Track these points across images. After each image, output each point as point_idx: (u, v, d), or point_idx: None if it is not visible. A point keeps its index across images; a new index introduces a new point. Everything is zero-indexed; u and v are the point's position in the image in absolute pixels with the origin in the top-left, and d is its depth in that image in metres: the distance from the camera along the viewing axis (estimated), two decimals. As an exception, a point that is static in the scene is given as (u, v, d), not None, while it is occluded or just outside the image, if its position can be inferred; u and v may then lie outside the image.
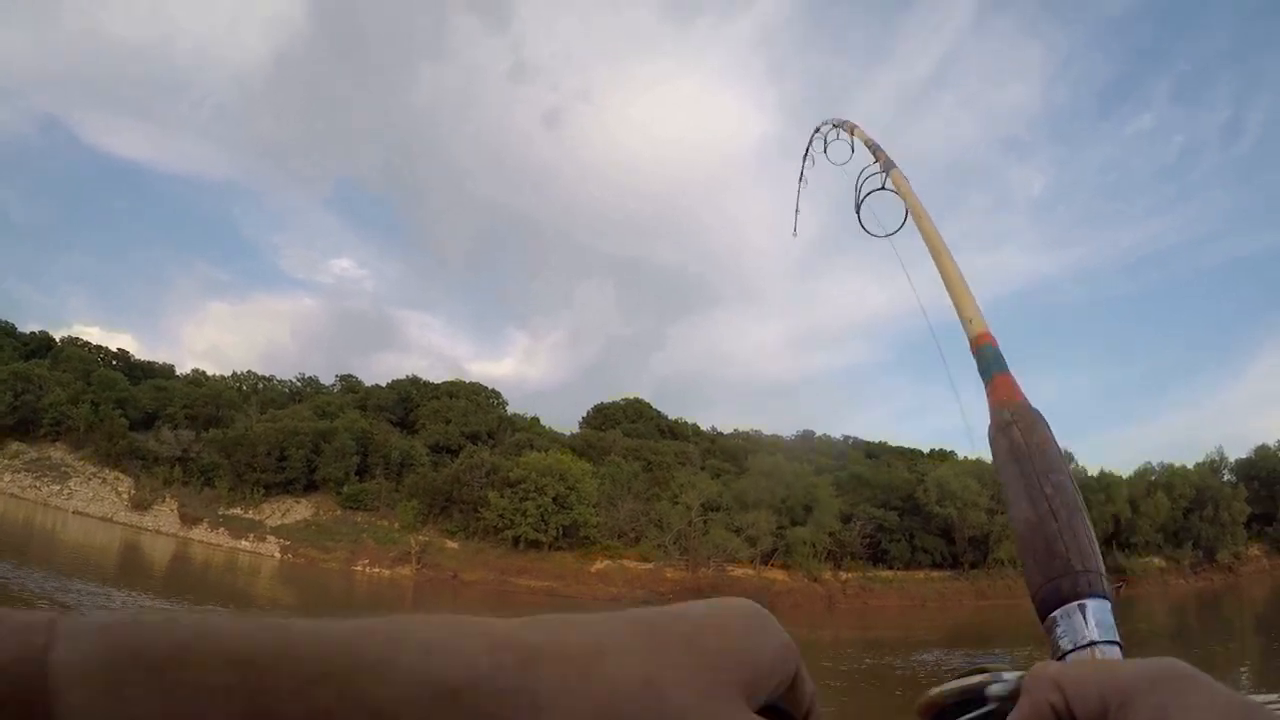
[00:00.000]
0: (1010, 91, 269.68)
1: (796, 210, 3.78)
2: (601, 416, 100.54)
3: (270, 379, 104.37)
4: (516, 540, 66.65)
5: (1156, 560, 75.81)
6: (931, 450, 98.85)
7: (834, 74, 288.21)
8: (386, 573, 64.48)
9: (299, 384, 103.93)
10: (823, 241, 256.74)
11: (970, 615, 59.33)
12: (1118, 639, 1.12)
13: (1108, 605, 1.14)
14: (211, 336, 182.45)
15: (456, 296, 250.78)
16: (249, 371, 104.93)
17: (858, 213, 2.72)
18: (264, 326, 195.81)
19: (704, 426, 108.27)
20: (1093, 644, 1.09)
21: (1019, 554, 1.26)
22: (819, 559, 68.87)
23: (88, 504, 71.24)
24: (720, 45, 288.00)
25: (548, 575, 64.80)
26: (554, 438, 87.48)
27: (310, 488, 75.49)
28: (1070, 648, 1.10)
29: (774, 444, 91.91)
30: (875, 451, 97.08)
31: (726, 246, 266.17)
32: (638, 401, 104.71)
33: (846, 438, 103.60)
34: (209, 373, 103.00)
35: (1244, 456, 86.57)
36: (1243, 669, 31.04)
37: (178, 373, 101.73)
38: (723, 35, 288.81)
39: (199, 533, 69.17)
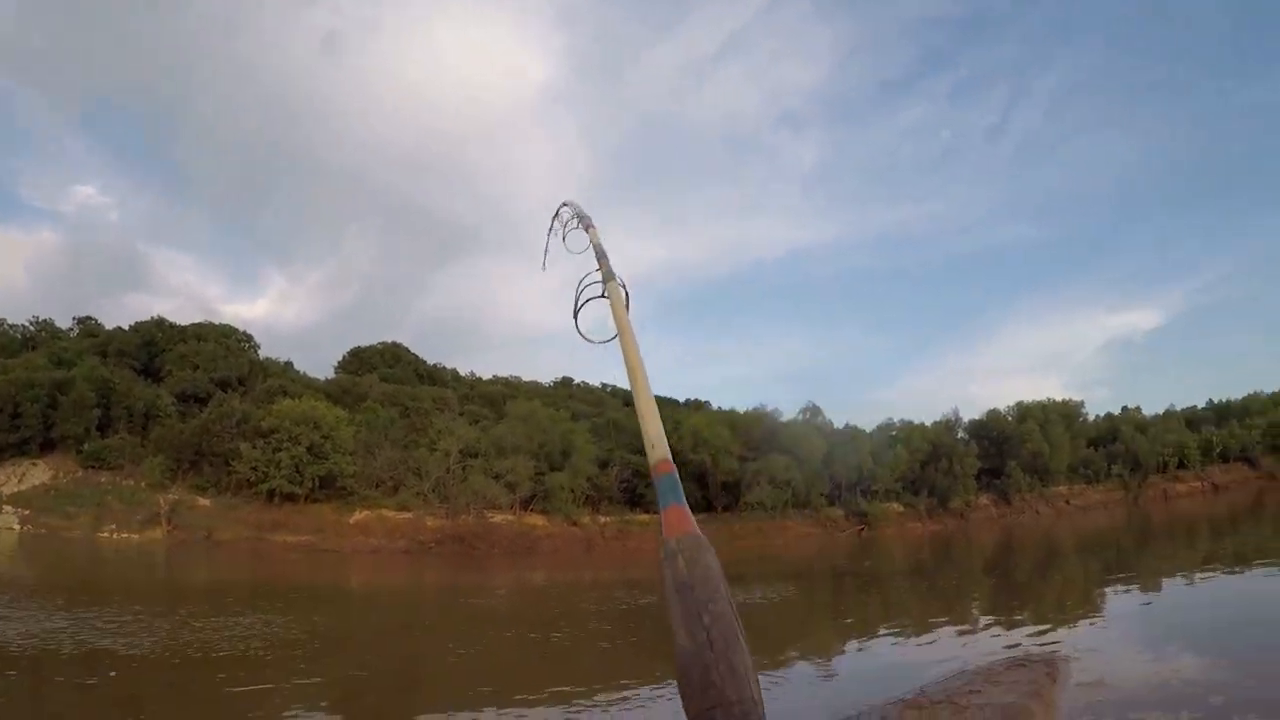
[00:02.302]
0: (796, 71, 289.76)
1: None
2: (358, 361, 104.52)
3: (0, 323, 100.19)
4: (271, 494, 70.47)
5: (896, 506, 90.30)
6: (687, 400, 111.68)
7: (626, 32, 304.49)
8: (135, 537, 65.97)
9: (33, 329, 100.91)
10: (593, 190, 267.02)
11: (724, 556, 64.43)
12: None
13: None
14: None
15: (211, 232, 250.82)
16: None
17: (575, 318, 3.11)
18: None
19: (463, 373, 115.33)
20: None
21: (678, 683, 1.46)
22: (578, 504, 76.38)
23: None
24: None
25: (306, 529, 69.00)
26: (308, 384, 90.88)
27: (48, 446, 76.08)
28: None
29: (532, 390, 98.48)
30: (632, 399, 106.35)
31: (500, 194, 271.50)
32: (396, 346, 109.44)
33: (604, 385, 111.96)
34: None
35: (976, 418, 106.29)
36: (972, 600, 36.81)
37: None
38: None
39: None
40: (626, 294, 3.05)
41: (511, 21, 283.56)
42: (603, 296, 3.07)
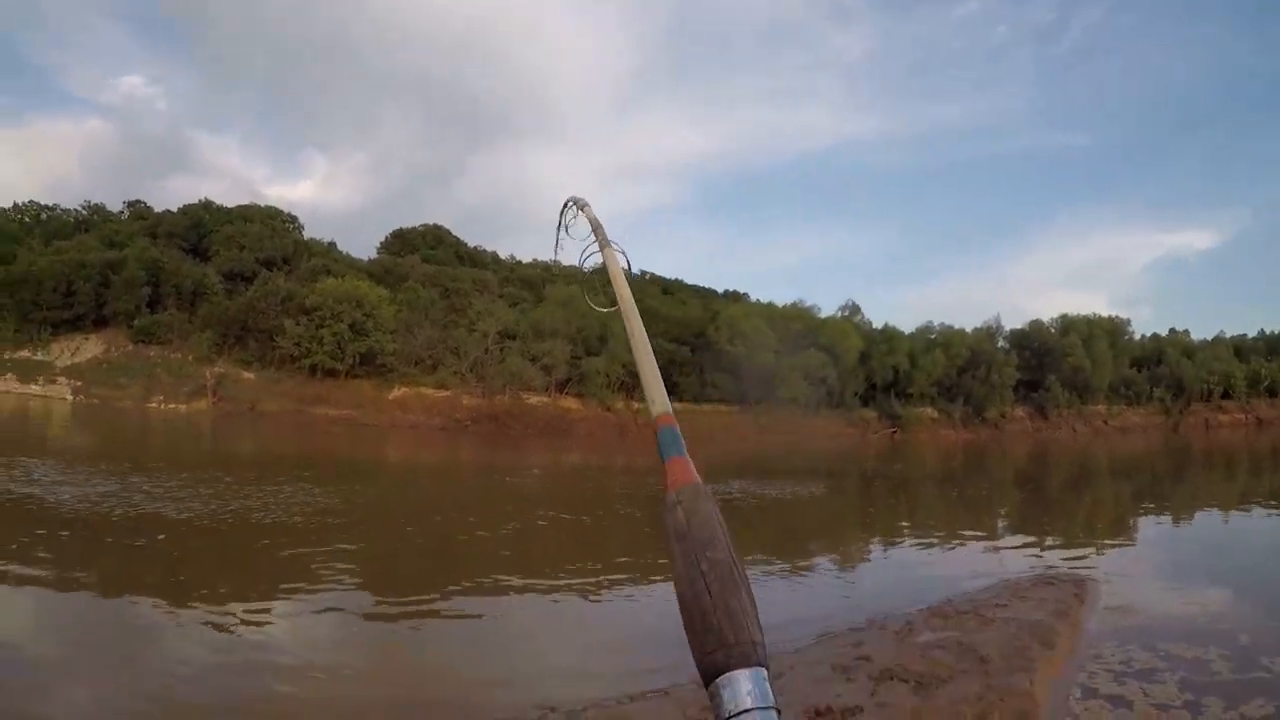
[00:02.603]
0: None
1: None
2: (400, 242, 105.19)
3: (54, 209, 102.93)
4: (314, 369, 72.55)
5: (930, 411, 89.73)
6: (726, 291, 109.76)
7: None
8: (183, 408, 68.63)
9: (85, 213, 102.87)
10: (636, 79, 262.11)
11: (754, 448, 65.76)
12: (773, 704, 1.24)
13: (763, 673, 1.27)
14: None
15: (254, 116, 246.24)
16: (30, 202, 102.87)
17: (585, 294, 3.25)
18: (48, 152, 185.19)
19: (504, 255, 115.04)
20: (749, 710, 1.21)
21: (684, 628, 1.38)
22: (612, 389, 77.17)
23: None
24: None
25: (346, 404, 71.08)
26: (351, 263, 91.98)
27: (100, 323, 78.75)
28: (728, 715, 1.22)
29: (572, 275, 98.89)
30: (672, 288, 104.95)
31: (540, 79, 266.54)
32: (437, 228, 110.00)
33: (644, 273, 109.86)
34: None
35: (1018, 327, 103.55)
36: (1002, 513, 36.66)
37: None
38: None
39: None
40: (627, 259, 3.14)
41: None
42: (600, 266, 3.15)
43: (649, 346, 2.24)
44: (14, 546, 19.61)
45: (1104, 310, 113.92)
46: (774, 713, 1.24)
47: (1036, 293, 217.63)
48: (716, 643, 1.31)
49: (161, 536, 21.73)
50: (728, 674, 1.28)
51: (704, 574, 1.43)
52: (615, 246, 3.11)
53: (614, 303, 2.74)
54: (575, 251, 3.37)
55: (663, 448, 1.82)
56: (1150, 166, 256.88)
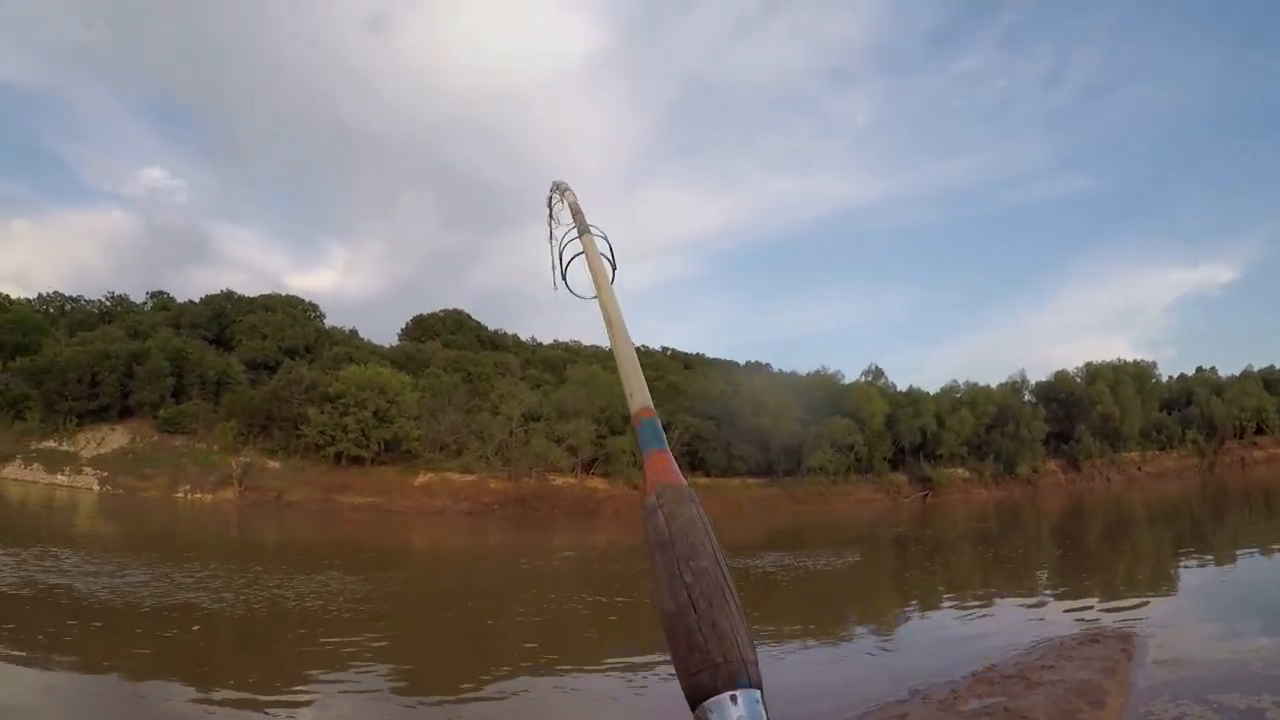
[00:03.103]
0: (841, 24, 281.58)
1: (554, 266, 3.27)
2: (421, 328, 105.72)
3: (79, 300, 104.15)
4: (339, 456, 72.01)
5: (961, 471, 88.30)
6: (747, 362, 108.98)
7: None
8: (209, 498, 68.24)
9: (109, 304, 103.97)
10: (644, 157, 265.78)
11: (786, 520, 65.72)
12: None
13: (756, 695, 1.20)
14: (14, 258, 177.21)
15: (274, 208, 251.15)
16: (55, 293, 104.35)
17: (564, 277, 3.09)
18: (71, 244, 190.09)
19: (524, 338, 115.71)
20: None
21: (668, 648, 1.33)
22: (638, 467, 76.15)
23: (-114, 454, 71.86)
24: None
25: (371, 491, 70.42)
26: (373, 350, 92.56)
27: (125, 413, 78.24)
28: None
29: (593, 354, 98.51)
30: (692, 363, 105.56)
31: (549, 161, 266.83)
32: (457, 313, 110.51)
33: (665, 349, 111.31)
34: (13, 296, 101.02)
35: (1044, 379, 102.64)
36: (1040, 570, 36.32)
37: None
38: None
39: (12, 470, 71.46)
40: (609, 245, 3.10)
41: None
42: (581, 254, 3.07)
43: (628, 337, 2.23)
44: (40, 637, 19.68)
45: (1128, 354, 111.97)
46: None
47: (1059, 341, 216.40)
48: (702, 662, 1.25)
49: (196, 627, 21.68)
50: (715, 698, 1.21)
51: (688, 586, 1.36)
52: (595, 231, 3.08)
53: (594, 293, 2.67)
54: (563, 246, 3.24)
55: (642, 440, 1.80)
56: (1163, 203, 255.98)
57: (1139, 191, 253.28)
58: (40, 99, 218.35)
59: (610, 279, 2.80)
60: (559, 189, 3.86)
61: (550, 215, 3.95)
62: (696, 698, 1.22)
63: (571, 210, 3.44)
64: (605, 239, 3.09)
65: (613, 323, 2.38)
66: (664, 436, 1.85)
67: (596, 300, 2.66)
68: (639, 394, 2.01)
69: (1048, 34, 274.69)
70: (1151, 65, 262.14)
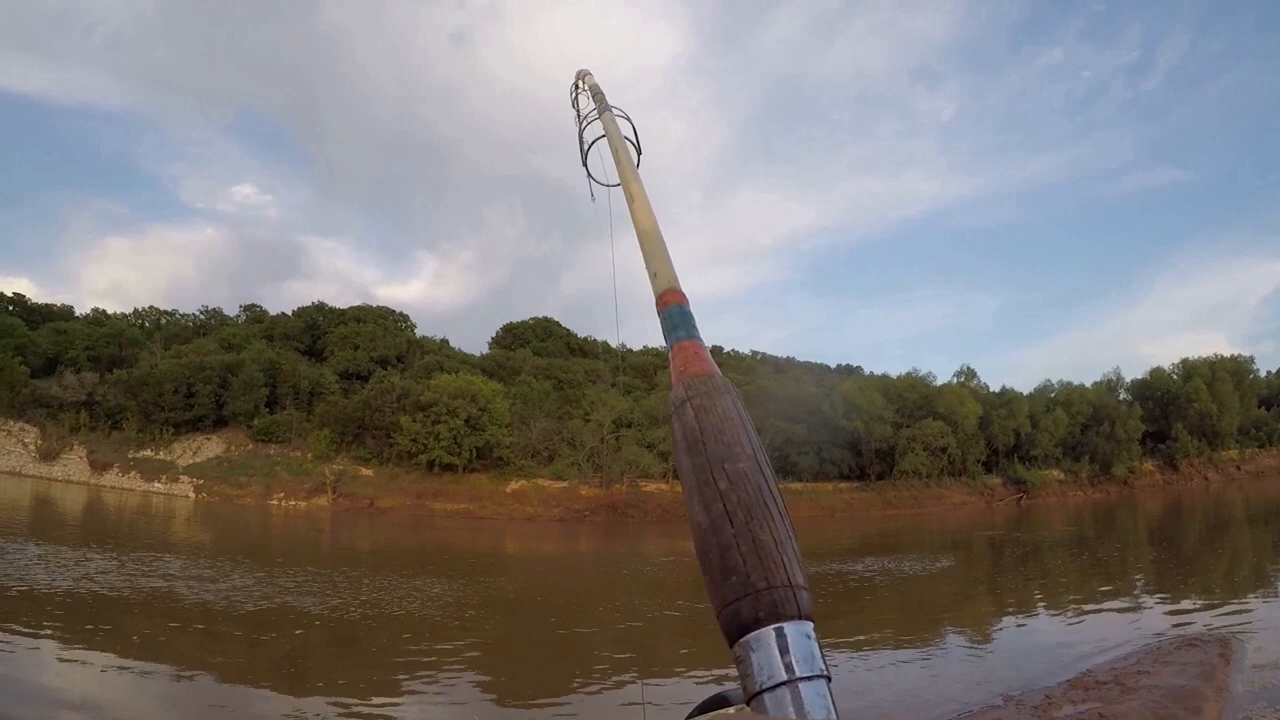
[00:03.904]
0: (922, 21, 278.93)
1: (589, 175, 2.93)
2: (511, 336, 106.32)
3: (173, 313, 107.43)
4: (431, 464, 72.03)
5: (1055, 472, 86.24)
6: (838, 365, 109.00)
7: None
8: (303, 505, 68.93)
9: (203, 317, 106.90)
10: (730, 160, 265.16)
11: (878, 524, 64.39)
12: (823, 670, 1.02)
13: (807, 628, 1.04)
14: (112, 274, 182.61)
15: (363, 221, 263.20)
16: (150, 307, 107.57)
17: (584, 163, 2.88)
18: (166, 260, 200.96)
19: (613, 344, 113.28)
20: (791, 681, 0.99)
21: (700, 569, 1.15)
22: (731, 469, 76.26)
23: (-8, 459, 73.65)
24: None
25: (463, 498, 70.45)
26: (464, 359, 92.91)
27: (220, 423, 79.26)
28: (761, 686, 1.00)
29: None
30: (783, 367, 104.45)
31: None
32: (547, 321, 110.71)
33: (755, 353, 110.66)
34: (110, 311, 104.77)
35: (1139, 377, 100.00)
36: (1137, 574, 35.59)
37: (77, 314, 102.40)
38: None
39: (110, 478, 72.70)
40: (633, 127, 2.83)
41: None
42: (601, 137, 2.78)
43: (653, 216, 2.02)
44: (136, 638, 20.00)
45: (1225, 350, 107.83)
46: (824, 682, 1.03)
47: (1154, 339, 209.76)
48: (741, 588, 1.08)
49: (299, 631, 22.09)
50: (757, 631, 1.05)
51: (723, 495, 1.18)
52: (617, 111, 2.89)
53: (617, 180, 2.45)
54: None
55: (668, 330, 1.61)
56: (1258, 192, 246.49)
57: (1232, 181, 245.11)
58: (136, 120, 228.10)
59: (635, 163, 2.56)
60: (580, 76, 3.62)
61: (574, 105, 3.60)
62: (734, 632, 1.06)
63: (592, 92, 3.24)
64: (629, 120, 2.87)
65: (634, 196, 2.12)
66: (694, 324, 1.59)
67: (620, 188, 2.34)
68: (663, 274, 1.76)
69: (1134, 22, 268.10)
70: (1243, 50, 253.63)
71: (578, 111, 3.56)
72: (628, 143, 2.69)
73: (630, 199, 2.14)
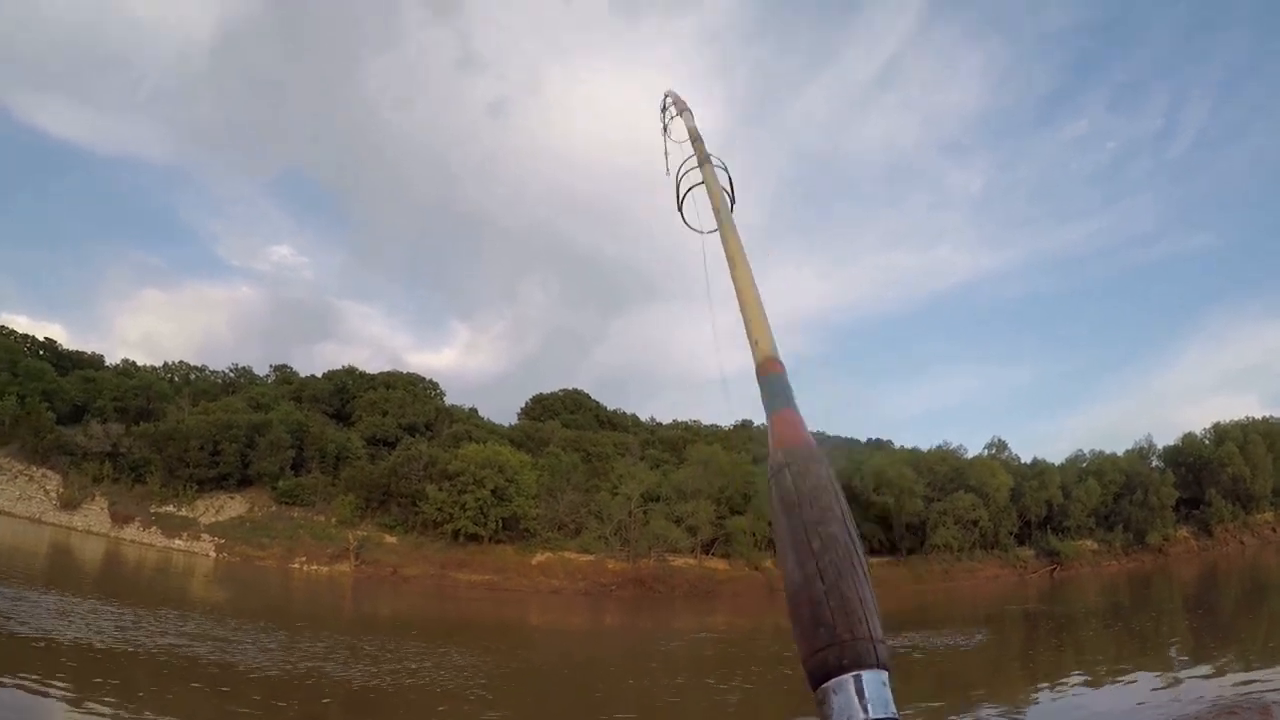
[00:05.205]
0: (952, 96, 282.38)
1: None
2: (540, 407, 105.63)
3: (203, 369, 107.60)
4: (456, 534, 70.93)
5: (1089, 543, 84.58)
6: (869, 439, 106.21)
7: (781, 70, 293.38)
8: (325, 570, 67.91)
9: (232, 375, 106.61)
10: (759, 233, 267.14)
11: (911, 599, 63.14)
12: (895, 715, 1.16)
13: (883, 676, 1.19)
14: (144, 325, 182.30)
15: (398, 287, 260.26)
16: (180, 362, 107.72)
17: (680, 209, 2.90)
18: (199, 315, 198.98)
19: (642, 418, 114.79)
20: None
21: (790, 619, 1.30)
22: (759, 548, 73.67)
23: (14, 504, 72.84)
24: (666, 40, 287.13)
25: (488, 569, 69.21)
26: (492, 429, 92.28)
27: (244, 483, 78.37)
28: None
29: (712, 434, 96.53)
30: (818, 439, 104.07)
31: (669, 242, 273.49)
32: (576, 393, 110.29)
33: None
34: (139, 363, 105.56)
35: (1171, 444, 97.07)
36: (1172, 643, 35.24)
37: (107, 363, 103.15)
38: (670, 30, 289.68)
39: (131, 532, 71.68)
40: (729, 177, 2.86)
41: (668, 73, 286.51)
42: (701, 184, 2.82)
43: (752, 278, 2.07)
44: (142, 693, 20.14)
45: (1257, 412, 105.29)
46: None
47: (1186, 405, 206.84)
48: (828, 638, 1.22)
49: (326, 700, 21.89)
50: (840, 677, 1.19)
51: (816, 554, 1.32)
52: (715, 162, 2.93)
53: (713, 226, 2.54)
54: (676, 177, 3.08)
55: (768, 399, 1.68)
56: None
57: (1260, 243, 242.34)
58: (178, 175, 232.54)
59: (730, 211, 2.60)
60: (675, 103, 3.70)
61: (665, 129, 3.76)
62: (819, 677, 1.20)
63: (690, 136, 3.23)
64: (725, 170, 2.90)
65: (734, 258, 2.21)
66: (791, 394, 1.68)
67: (716, 234, 2.46)
68: (764, 341, 1.82)
69: (1157, 90, 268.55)
70: (1265, 112, 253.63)
71: (667, 139, 3.68)
72: (723, 192, 2.67)
73: (731, 261, 2.17)
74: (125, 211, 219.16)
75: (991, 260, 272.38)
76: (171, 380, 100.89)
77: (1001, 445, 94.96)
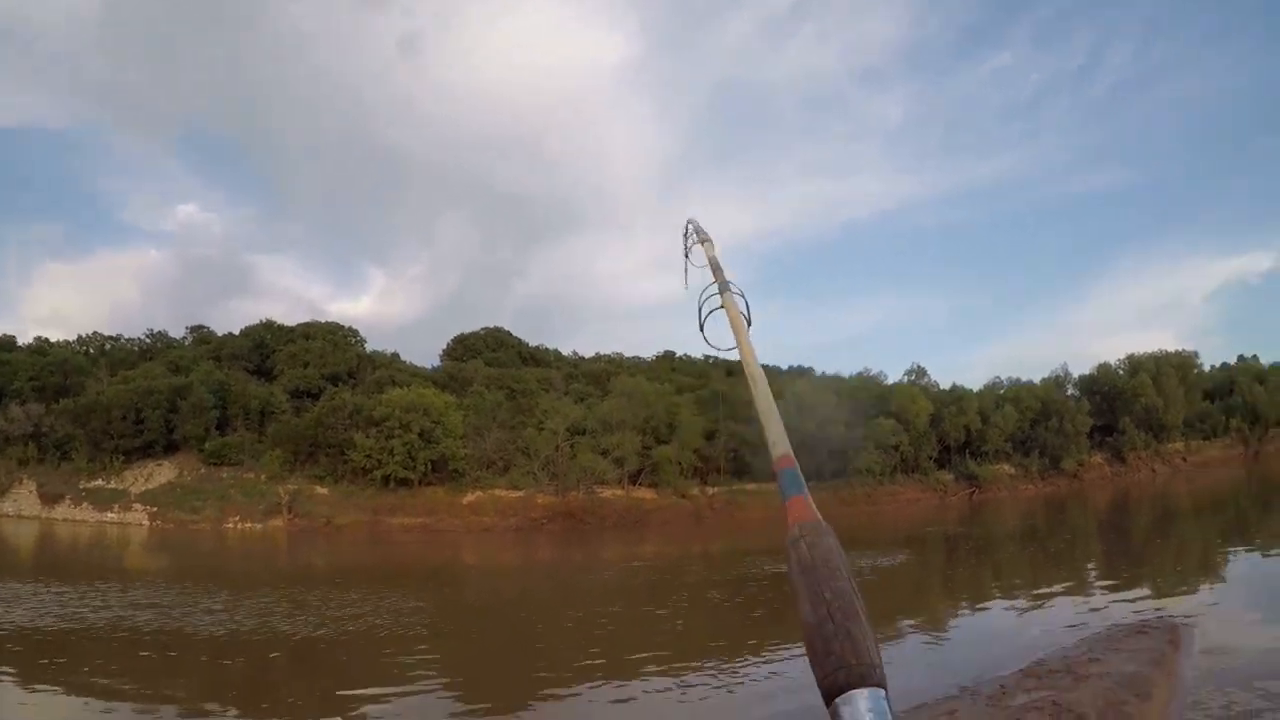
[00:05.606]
0: (873, 23, 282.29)
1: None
2: (462, 348, 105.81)
3: (118, 338, 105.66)
4: (386, 479, 71.70)
5: (1006, 467, 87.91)
6: (790, 366, 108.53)
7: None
8: (259, 527, 68.45)
9: (149, 341, 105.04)
10: (681, 164, 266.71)
11: (834, 522, 62.58)
12: None
13: (882, 693, 1.40)
14: (52, 300, 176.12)
15: (311, 236, 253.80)
16: (94, 333, 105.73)
17: (701, 329, 3.29)
18: (108, 284, 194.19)
19: (565, 352, 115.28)
20: None
21: (806, 651, 1.52)
22: (685, 476, 76.21)
23: (-61, 498, 72.05)
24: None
25: (420, 511, 70.48)
26: (415, 373, 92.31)
27: (171, 448, 78.36)
28: None
29: (635, 366, 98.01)
30: (735, 369, 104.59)
31: (585, 173, 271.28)
32: (498, 331, 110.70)
33: (707, 357, 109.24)
34: (53, 339, 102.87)
35: (1087, 373, 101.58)
36: (1087, 567, 36.46)
37: (19, 344, 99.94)
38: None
39: (62, 510, 72.07)
40: (746, 302, 3.17)
41: (581, 3, 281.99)
42: (720, 308, 3.21)
43: (768, 389, 2.38)
44: (87, 668, 20.03)
45: (1172, 346, 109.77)
46: None
47: (1102, 337, 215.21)
48: (838, 664, 1.44)
49: (274, 654, 22.29)
50: (848, 693, 1.40)
51: (828, 602, 1.57)
52: (734, 290, 3.22)
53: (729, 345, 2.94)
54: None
55: (784, 488, 1.98)
56: (1202, 194, 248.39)
57: (1177, 184, 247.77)
58: (72, 140, 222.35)
59: (747, 332, 2.93)
60: (697, 234, 4.07)
61: (686, 252, 4.30)
62: (832, 694, 1.41)
63: (712, 266, 3.66)
64: (743, 297, 3.19)
65: (755, 377, 2.50)
66: (803, 483, 1.98)
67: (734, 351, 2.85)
68: (780, 443, 2.14)
69: (1082, 28, 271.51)
70: (1188, 58, 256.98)
71: (688, 256, 4.20)
72: (741, 317, 3.03)
73: (753, 381, 2.47)
74: (20, 184, 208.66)
75: (909, 190, 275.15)
76: (87, 353, 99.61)
77: (921, 372, 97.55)
